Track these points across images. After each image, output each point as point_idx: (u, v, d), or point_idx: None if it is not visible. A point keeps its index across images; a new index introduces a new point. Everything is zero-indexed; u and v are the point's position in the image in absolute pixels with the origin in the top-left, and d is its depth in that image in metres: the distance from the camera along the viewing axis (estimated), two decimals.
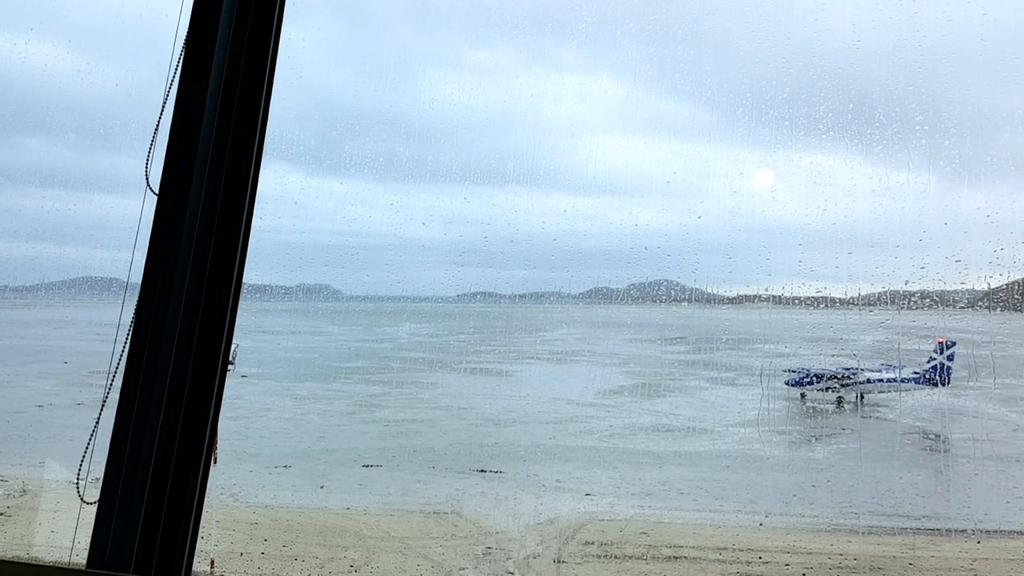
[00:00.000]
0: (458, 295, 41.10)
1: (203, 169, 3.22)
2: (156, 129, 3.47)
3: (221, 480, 21.76)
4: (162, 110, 3.45)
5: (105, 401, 3.29)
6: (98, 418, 3.35)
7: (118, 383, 3.09)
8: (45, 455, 23.91)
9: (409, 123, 39.00)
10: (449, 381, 37.81)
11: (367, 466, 24.84)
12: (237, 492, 21.92)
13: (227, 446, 24.32)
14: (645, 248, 30.45)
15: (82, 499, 3.28)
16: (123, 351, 3.11)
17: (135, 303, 3.15)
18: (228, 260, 3.19)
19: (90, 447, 3.41)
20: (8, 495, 19.88)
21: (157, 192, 3.24)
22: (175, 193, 3.20)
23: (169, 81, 3.43)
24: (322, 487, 23.03)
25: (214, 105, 3.27)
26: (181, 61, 3.37)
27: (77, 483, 3.45)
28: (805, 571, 17.01)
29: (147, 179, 3.37)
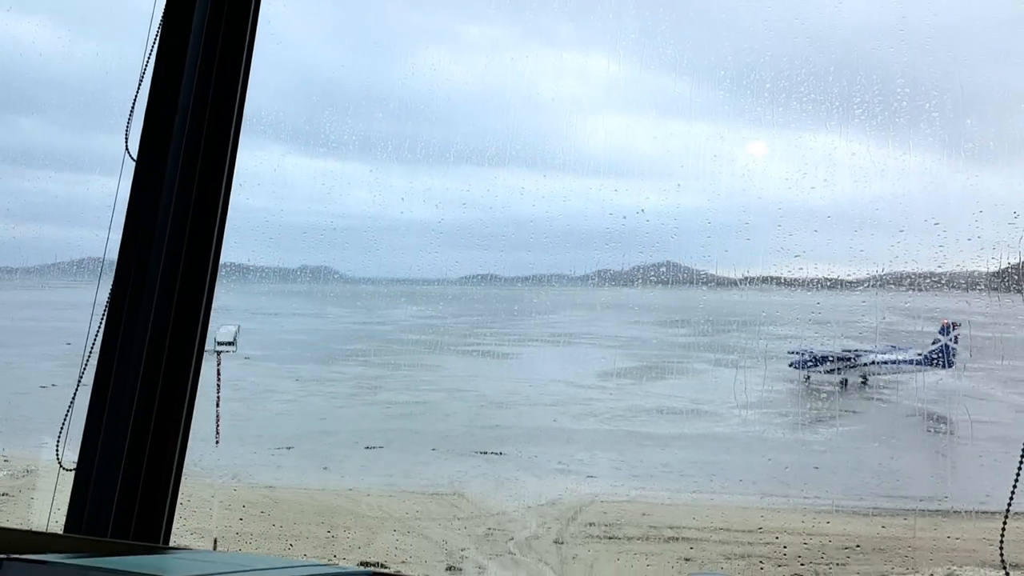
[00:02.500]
0: (458, 277, 40.89)
1: (181, 135, 3.18)
2: (135, 97, 3.44)
3: (223, 461, 21.82)
4: (141, 79, 3.41)
5: (84, 370, 3.26)
6: (74, 393, 3.33)
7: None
8: (49, 436, 23.96)
9: (404, 102, 38.45)
10: (450, 363, 37.79)
11: (369, 447, 24.90)
12: (239, 473, 22.00)
13: (229, 428, 24.37)
14: (646, 233, 30.20)
15: (61, 465, 3.27)
16: (102, 318, 3.08)
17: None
18: (207, 229, 3.16)
19: (69, 415, 3.40)
20: (11, 475, 19.95)
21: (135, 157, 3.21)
22: (153, 160, 3.16)
23: (148, 52, 3.39)
24: (325, 468, 23.11)
25: (193, 68, 3.23)
26: (160, 30, 3.33)
27: (56, 449, 3.44)
28: (806, 551, 17.06)
29: (126, 145, 3.34)
